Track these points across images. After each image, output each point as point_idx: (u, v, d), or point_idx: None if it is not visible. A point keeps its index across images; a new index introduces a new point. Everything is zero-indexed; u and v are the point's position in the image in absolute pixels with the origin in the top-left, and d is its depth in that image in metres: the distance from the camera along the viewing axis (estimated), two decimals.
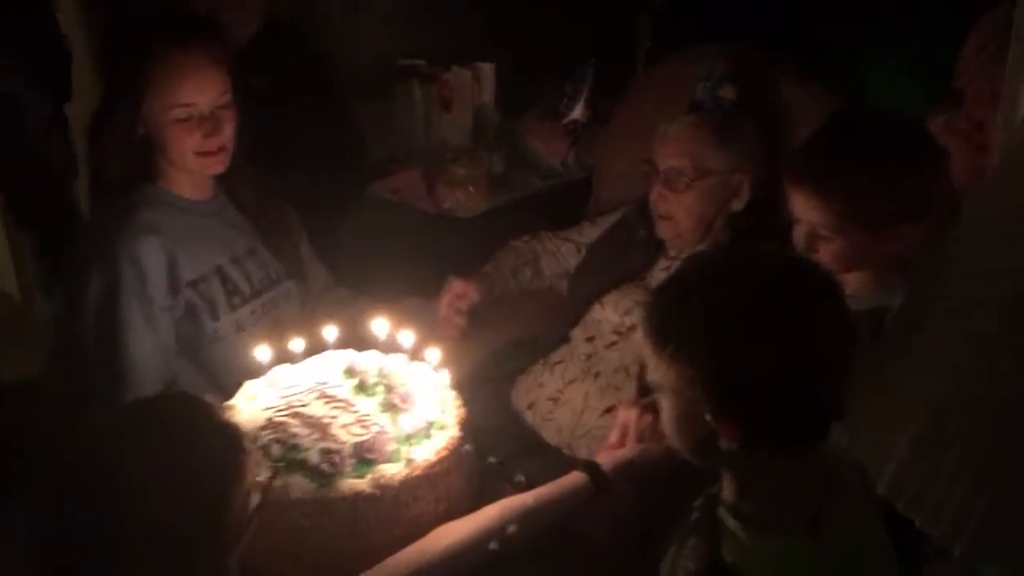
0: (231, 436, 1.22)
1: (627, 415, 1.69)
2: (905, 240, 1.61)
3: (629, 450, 1.65)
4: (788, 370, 0.91)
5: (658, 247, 2.12)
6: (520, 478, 1.75)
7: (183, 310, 1.85)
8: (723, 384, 1.05)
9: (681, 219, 2.02)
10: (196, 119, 1.79)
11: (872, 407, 0.87)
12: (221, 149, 1.84)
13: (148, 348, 1.80)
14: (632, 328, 2.03)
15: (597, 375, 2.03)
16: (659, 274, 2.09)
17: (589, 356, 2.07)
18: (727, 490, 1.16)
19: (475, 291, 2.11)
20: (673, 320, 1.11)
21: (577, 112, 2.87)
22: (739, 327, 1.05)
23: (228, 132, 1.83)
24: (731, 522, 1.13)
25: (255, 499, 1.23)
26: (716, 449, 1.10)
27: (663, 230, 2.07)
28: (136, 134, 1.80)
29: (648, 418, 1.65)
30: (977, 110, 1.73)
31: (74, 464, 1.16)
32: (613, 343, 2.05)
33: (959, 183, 1.88)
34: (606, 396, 2.00)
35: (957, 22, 1.71)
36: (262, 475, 1.27)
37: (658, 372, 1.12)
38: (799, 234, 1.67)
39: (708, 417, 1.08)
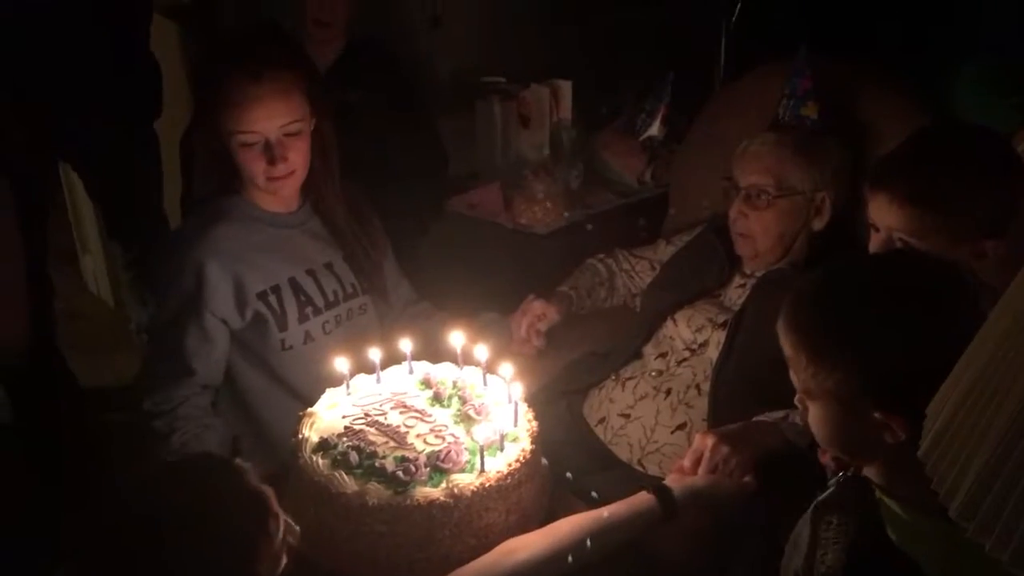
0: (257, 503, 1.21)
1: (703, 443, 1.70)
2: (985, 256, 1.59)
3: (701, 479, 1.66)
4: (944, 360, 0.92)
5: (733, 265, 2.12)
6: (594, 494, 1.77)
7: (250, 320, 1.92)
8: (892, 382, 1.08)
9: (760, 237, 2.02)
10: (260, 146, 1.83)
11: (949, 423, 0.87)
12: (289, 176, 1.88)
13: (197, 350, 1.88)
14: (704, 345, 2.04)
15: (668, 392, 2.03)
16: (734, 291, 2.09)
17: (660, 372, 2.08)
18: (878, 475, 1.19)
19: (555, 313, 2.13)
20: (835, 328, 1.14)
21: (654, 129, 2.88)
22: (901, 326, 1.09)
23: (295, 159, 1.86)
24: (892, 503, 1.15)
25: (283, 561, 1.22)
26: (878, 444, 1.14)
27: (741, 248, 2.06)
28: (218, 151, 1.87)
29: (724, 450, 1.67)
30: None
31: (100, 526, 1.15)
32: (684, 359, 2.06)
33: None
34: (677, 413, 2.00)
35: None
36: (292, 536, 1.25)
37: (815, 380, 1.16)
38: (876, 242, 1.66)
39: (877, 415, 1.11)
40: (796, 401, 1.26)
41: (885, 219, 1.63)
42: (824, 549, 1.18)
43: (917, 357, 0.99)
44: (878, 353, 1.11)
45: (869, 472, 1.22)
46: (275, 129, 1.83)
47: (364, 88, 2.54)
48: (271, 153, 1.84)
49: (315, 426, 1.61)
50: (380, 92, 2.56)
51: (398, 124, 2.58)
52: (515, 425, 1.58)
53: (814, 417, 1.21)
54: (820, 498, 1.27)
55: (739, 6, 2.99)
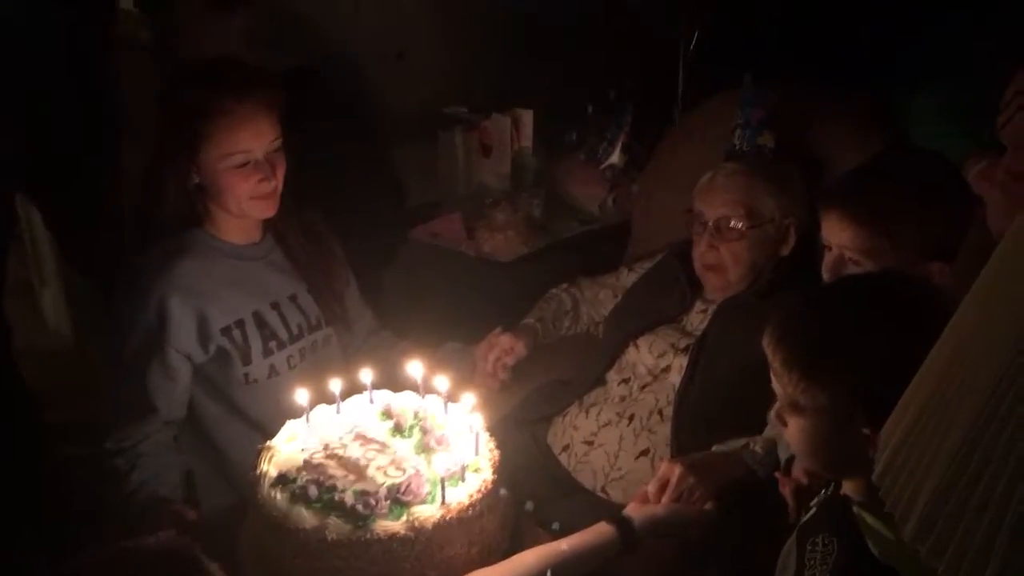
0: None
1: (669, 471, 1.70)
2: (932, 279, 1.62)
3: (663, 508, 1.66)
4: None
5: (695, 290, 2.13)
6: (556, 526, 1.76)
7: (214, 355, 1.90)
8: (884, 399, 1.05)
9: (731, 268, 2.03)
10: (252, 165, 1.85)
11: (900, 447, 0.88)
12: (273, 192, 1.89)
13: (159, 387, 1.86)
14: (666, 370, 2.05)
15: (631, 418, 2.03)
16: (696, 316, 2.11)
17: (623, 398, 2.08)
18: (857, 491, 1.20)
19: (523, 347, 2.13)
20: (830, 345, 1.17)
21: (615, 157, 2.90)
22: (889, 341, 1.11)
23: (280, 175, 1.89)
24: (871, 519, 1.16)
25: None
26: (861, 460, 1.12)
27: (712, 280, 2.07)
28: (191, 182, 1.87)
29: (690, 479, 1.67)
30: (1015, 162, 1.73)
31: None
32: (647, 385, 2.06)
33: (996, 233, 1.88)
34: (640, 439, 2.00)
35: (1003, 65, 1.72)
36: None
37: (805, 395, 1.17)
38: (828, 260, 1.69)
39: (866, 431, 1.12)
40: (774, 415, 1.27)
41: (835, 238, 1.67)
42: (811, 571, 1.18)
43: (908, 374, 1.00)
44: (873, 370, 1.12)
45: (848, 489, 1.23)
46: (264, 146, 1.85)
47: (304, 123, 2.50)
48: (262, 171, 1.85)
49: (274, 460, 1.59)
50: (319, 127, 2.48)
51: (344, 158, 2.54)
52: (476, 455, 1.57)
53: (798, 431, 1.22)
54: (803, 520, 1.27)
55: (696, 36, 3.02)
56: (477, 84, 2.94)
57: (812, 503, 1.34)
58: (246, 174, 1.85)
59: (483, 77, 2.95)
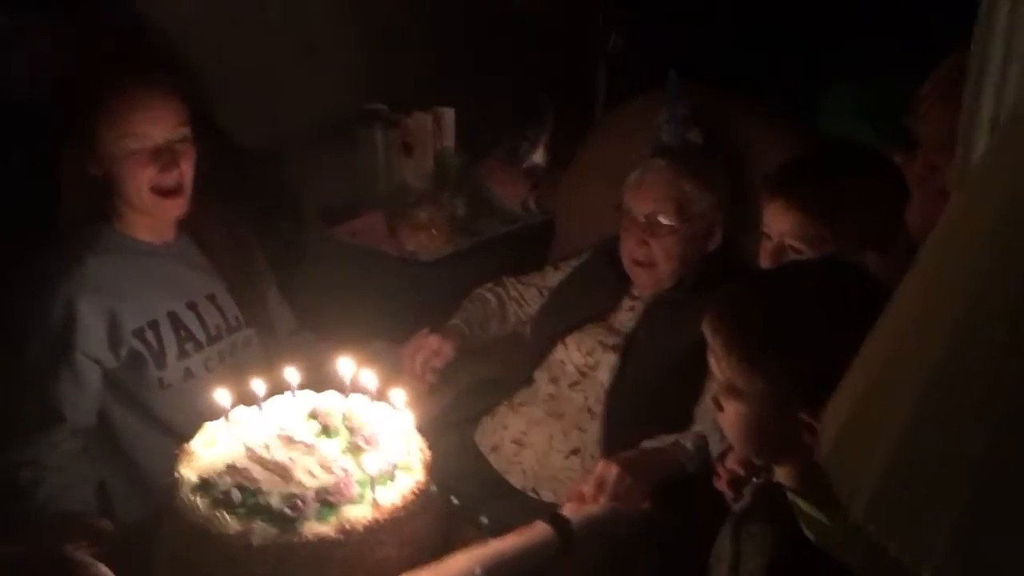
0: None
1: (606, 470, 1.69)
2: (869, 269, 1.64)
3: (600, 507, 1.65)
4: None
5: (623, 288, 2.12)
6: (484, 520, 1.73)
7: (126, 359, 1.81)
8: (823, 384, 1.04)
9: (662, 264, 2.02)
10: (150, 152, 1.76)
11: (846, 426, 0.87)
12: (179, 188, 1.81)
13: (67, 394, 1.77)
14: (595, 368, 2.04)
15: (561, 416, 2.02)
16: (624, 314, 2.10)
17: (552, 397, 2.06)
18: (791, 478, 1.21)
19: (451, 349, 2.09)
20: (770, 330, 1.17)
21: (537, 156, 2.89)
22: (830, 325, 1.11)
23: (186, 169, 1.80)
24: (806, 506, 1.16)
25: None
26: (796, 445, 1.15)
27: (641, 277, 2.06)
28: (90, 170, 1.77)
29: (628, 479, 1.67)
30: (932, 155, 1.78)
31: None
32: (576, 383, 2.05)
33: (913, 226, 1.93)
34: (570, 437, 1.99)
35: (913, 60, 1.76)
36: None
37: (743, 378, 1.18)
38: (767, 249, 1.70)
39: (803, 415, 1.13)
40: (711, 399, 1.28)
41: (779, 225, 1.68)
42: (747, 560, 1.18)
43: (845, 360, 1.00)
44: (813, 355, 1.12)
45: (782, 476, 1.23)
46: (165, 132, 1.77)
47: None
48: (161, 159, 1.76)
49: (193, 464, 1.52)
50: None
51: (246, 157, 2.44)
52: (407, 454, 1.53)
53: (734, 415, 1.22)
54: (737, 509, 1.27)
55: (614, 35, 3.04)
56: (397, 81, 2.89)
57: (745, 490, 1.34)
58: (144, 161, 1.76)
59: (403, 74, 2.90)
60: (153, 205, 1.81)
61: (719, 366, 1.23)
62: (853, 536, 1.11)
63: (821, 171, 1.72)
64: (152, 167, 1.77)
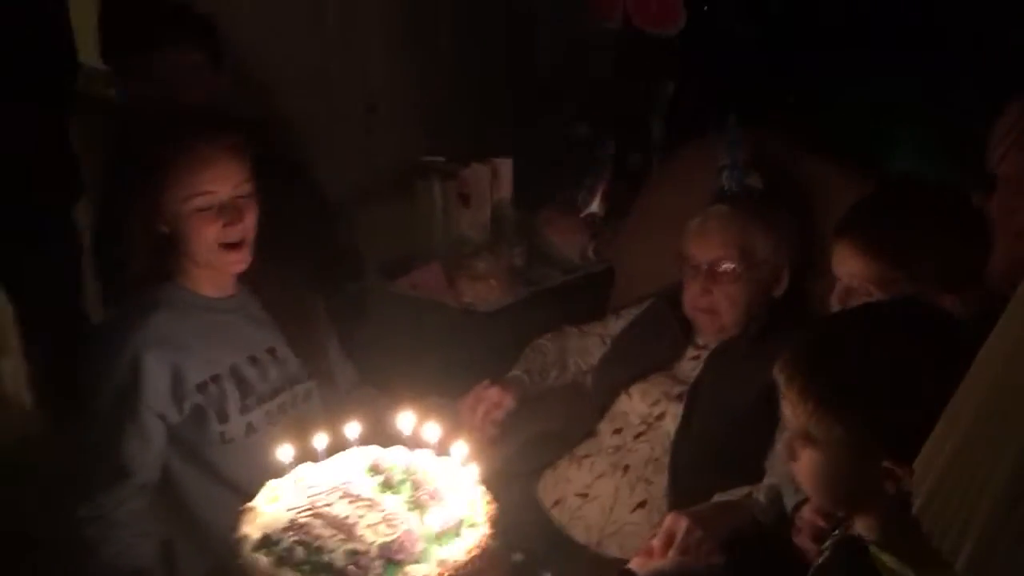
0: None
1: (675, 523, 1.64)
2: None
3: (669, 562, 1.60)
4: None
5: (687, 336, 2.08)
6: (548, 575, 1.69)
7: (189, 414, 1.82)
8: (904, 427, 1.04)
9: (726, 311, 1.98)
10: (216, 208, 1.79)
11: (944, 478, 0.83)
12: (243, 242, 1.83)
13: (133, 450, 1.77)
14: (660, 418, 1.99)
15: (626, 468, 1.97)
16: (688, 363, 2.06)
17: (617, 448, 2.02)
18: (872, 530, 1.17)
19: (511, 400, 2.05)
20: (843, 374, 1.15)
21: (595, 205, 2.87)
22: (910, 369, 1.10)
23: (250, 222, 1.82)
24: (888, 559, 1.13)
25: None
26: (877, 494, 1.12)
27: (704, 324, 2.02)
28: (158, 230, 1.80)
29: (697, 532, 1.61)
30: (1008, 196, 1.72)
31: None
32: (641, 434, 2.00)
33: (990, 269, 1.86)
34: (636, 490, 1.94)
35: (988, 95, 1.71)
36: None
37: (820, 426, 1.15)
38: (838, 290, 1.66)
39: (886, 463, 1.10)
40: (784, 445, 1.24)
41: (846, 267, 1.64)
42: None
43: (930, 406, 0.96)
44: (893, 401, 1.10)
45: (862, 528, 1.20)
46: (230, 189, 1.79)
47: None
48: (226, 215, 1.79)
49: (256, 521, 1.50)
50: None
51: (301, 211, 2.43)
52: (472, 509, 1.49)
53: (809, 464, 1.19)
54: (817, 563, 1.22)
55: (672, 86, 3.03)
56: (454, 133, 2.91)
57: (824, 545, 1.29)
58: (211, 217, 1.78)
59: (460, 126, 2.92)
60: (217, 259, 1.83)
61: (794, 413, 1.19)
62: None
63: (889, 211, 1.67)
64: (217, 223, 1.79)
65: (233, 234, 1.81)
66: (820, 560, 1.29)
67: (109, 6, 2.40)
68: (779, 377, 1.20)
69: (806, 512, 1.58)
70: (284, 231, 2.25)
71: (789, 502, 1.68)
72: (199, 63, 2.29)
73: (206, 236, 1.79)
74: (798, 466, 1.22)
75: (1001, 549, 0.76)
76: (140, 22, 2.29)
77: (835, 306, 1.67)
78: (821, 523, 1.56)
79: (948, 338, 1.12)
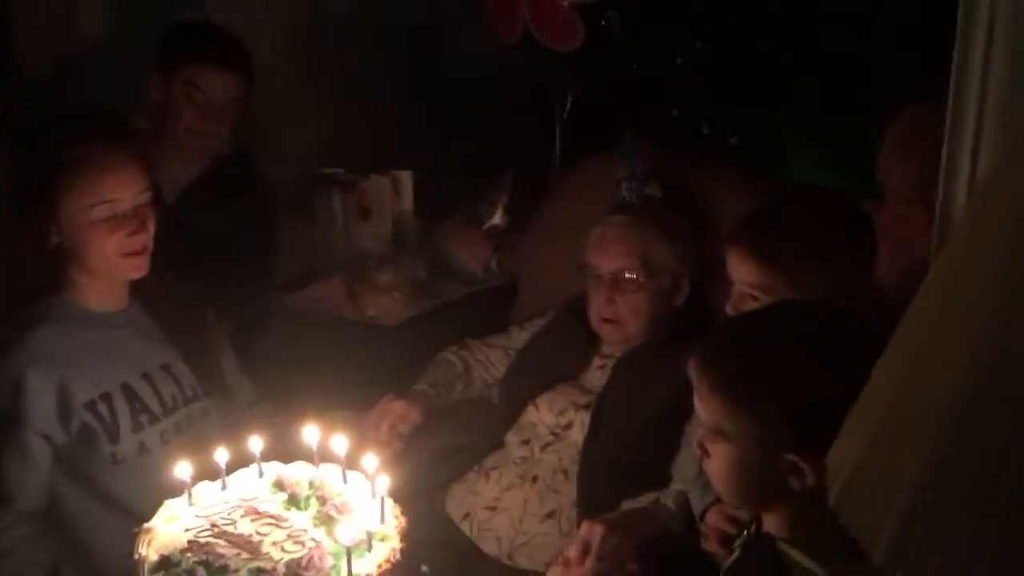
0: None
1: (590, 532, 1.64)
2: None
3: (585, 571, 1.59)
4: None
5: (592, 346, 2.09)
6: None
7: (77, 434, 1.73)
8: (810, 421, 1.08)
9: (630, 320, 1.99)
10: (119, 217, 1.72)
11: (859, 469, 0.84)
12: (144, 249, 1.76)
13: (16, 474, 1.69)
14: (568, 428, 1.99)
15: (535, 479, 1.96)
16: (594, 373, 2.06)
17: (525, 460, 2.01)
18: (780, 527, 1.18)
19: (417, 414, 2.03)
20: (752, 369, 1.16)
21: (497, 218, 2.87)
22: (816, 365, 1.12)
23: (151, 231, 1.76)
24: (797, 555, 1.14)
25: None
26: (782, 489, 1.14)
27: (609, 333, 2.03)
28: (50, 241, 1.72)
29: (613, 539, 1.62)
30: (897, 204, 1.78)
31: None
32: (549, 444, 2.00)
33: (880, 273, 1.93)
34: (545, 500, 1.93)
35: (877, 108, 1.78)
36: None
37: (729, 420, 1.16)
38: (732, 296, 1.69)
39: (792, 457, 1.12)
40: (697, 444, 1.25)
41: (736, 274, 1.67)
42: None
43: (835, 400, 0.98)
44: (797, 395, 1.12)
45: (771, 526, 1.21)
46: (131, 197, 1.73)
47: (221, 214, 2.33)
48: (130, 224, 1.72)
49: (154, 543, 1.43)
50: (238, 220, 2.36)
51: (243, 246, 2.39)
52: (382, 522, 1.46)
53: (721, 459, 1.20)
54: (727, 564, 1.23)
55: (571, 100, 3.06)
56: (353, 145, 2.87)
57: (735, 545, 1.30)
58: (113, 227, 1.72)
59: (360, 138, 2.88)
60: (118, 268, 1.77)
61: (705, 408, 1.21)
62: None
63: (777, 218, 1.70)
64: (120, 232, 1.72)
65: (136, 243, 1.74)
66: (729, 561, 1.30)
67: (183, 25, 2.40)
68: (691, 372, 1.22)
69: (711, 518, 1.61)
70: (198, 244, 2.22)
71: (696, 506, 1.70)
72: (241, 93, 2.34)
73: (106, 246, 1.73)
74: (709, 462, 1.23)
75: (918, 539, 0.77)
76: (208, 40, 2.34)
77: (729, 312, 1.70)
78: (727, 527, 1.58)
79: (851, 336, 1.15)
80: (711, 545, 1.59)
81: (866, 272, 1.65)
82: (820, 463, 1.07)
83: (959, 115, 1.20)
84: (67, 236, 1.72)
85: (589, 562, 1.59)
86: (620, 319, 2.00)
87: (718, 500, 1.62)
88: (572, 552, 1.61)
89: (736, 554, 1.30)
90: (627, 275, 1.98)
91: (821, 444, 1.00)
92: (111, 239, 1.72)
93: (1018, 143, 0.79)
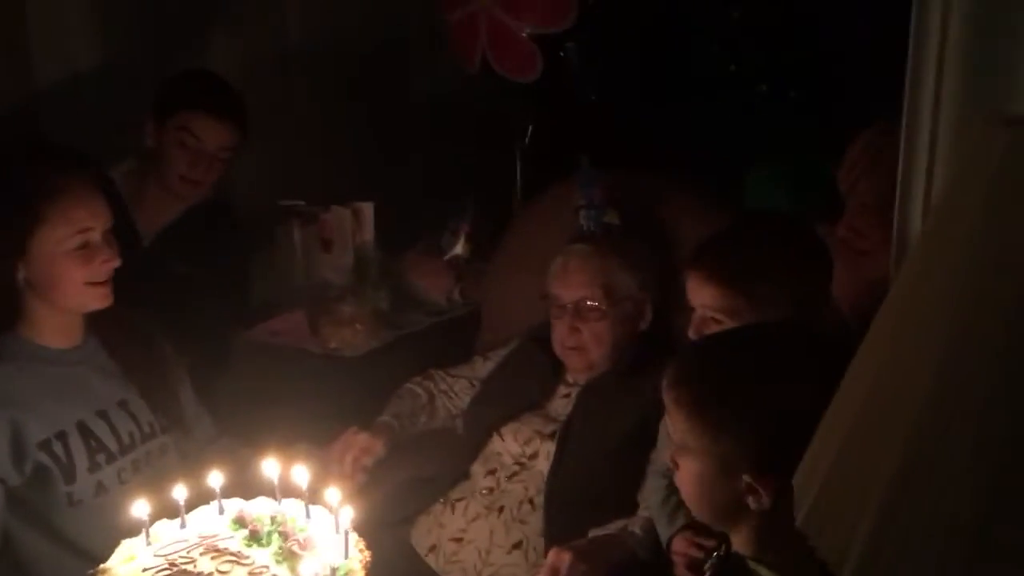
0: None
1: (558, 559, 1.64)
2: None
3: None
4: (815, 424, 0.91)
5: (557, 375, 2.09)
6: None
7: (31, 474, 1.68)
8: (773, 445, 1.10)
9: (594, 349, 1.99)
10: (91, 246, 1.71)
11: (825, 490, 0.84)
12: (109, 279, 1.75)
13: None
14: (533, 457, 1.98)
15: (501, 510, 1.95)
16: (559, 401, 2.06)
17: (491, 490, 1.99)
18: (746, 545, 1.20)
19: (381, 446, 2.01)
20: (711, 384, 1.18)
21: (459, 248, 2.86)
22: (782, 390, 1.13)
23: (117, 259, 1.75)
24: (767, 574, 1.15)
25: None
26: (742, 508, 1.16)
27: (573, 362, 2.03)
28: (16, 281, 1.69)
29: (582, 567, 1.63)
30: (857, 219, 1.82)
31: None
32: (515, 474, 1.99)
33: (838, 293, 1.95)
34: (512, 531, 1.92)
35: (828, 133, 1.82)
36: None
37: (691, 435, 1.19)
38: (693, 321, 1.70)
39: (747, 478, 1.14)
40: (670, 456, 1.27)
41: (697, 298, 1.68)
42: None
43: (799, 422, 0.98)
44: (760, 419, 1.14)
45: (738, 545, 1.22)
46: (102, 225, 1.73)
47: (194, 258, 2.34)
48: (104, 252, 1.72)
49: None
50: (211, 266, 2.36)
51: (212, 291, 2.39)
52: (346, 557, 1.43)
53: (687, 474, 1.22)
54: None
55: (531, 129, 3.08)
56: (313, 177, 2.86)
57: (706, 567, 1.30)
58: (86, 257, 1.70)
59: (320, 170, 2.87)
60: (85, 299, 1.75)
61: (672, 421, 1.22)
62: None
63: (735, 242, 1.73)
64: (95, 262, 1.71)
65: (105, 271, 1.73)
66: None
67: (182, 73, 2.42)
68: (663, 387, 1.23)
69: (677, 544, 1.61)
70: (168, 285, 2.20)
71: (663, 535, 1.69)
72: (234, 142, 2.35)
73: (77, 277, 1.70)
74: (679, 477, 1.25)
75: (885, 558, 0.77)
76: (206, 88, 2.35)
77: (692, 337, 1.71)
78: (695, 553, 1.58)
79: (817, 356, 1.15)
80: (682, 572, 1.58)
81: (823, 291, 1.67)
82: (776, 485, 1.11)
83: (913, 133, 1.22)
84: (34, 269, 1.69)
85: None
86: (584, 347, 2.00)
87: (684, 527, 1.62)
88: None
89: (708, 574, 1.29)
90: (589, 304, 1.98)
91: (784, 466, 1.01)
92: (83, 270, 1.70)
93: (972, 161, 0.79)
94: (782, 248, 1.67)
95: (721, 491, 1.19)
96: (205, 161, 2.33)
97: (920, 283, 0.84)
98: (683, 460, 1.22)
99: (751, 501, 1.15)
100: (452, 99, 3.07)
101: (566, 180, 2.45)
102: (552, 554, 1.65)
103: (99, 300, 1.76)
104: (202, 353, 2.30)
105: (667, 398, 1.22)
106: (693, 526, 1.61)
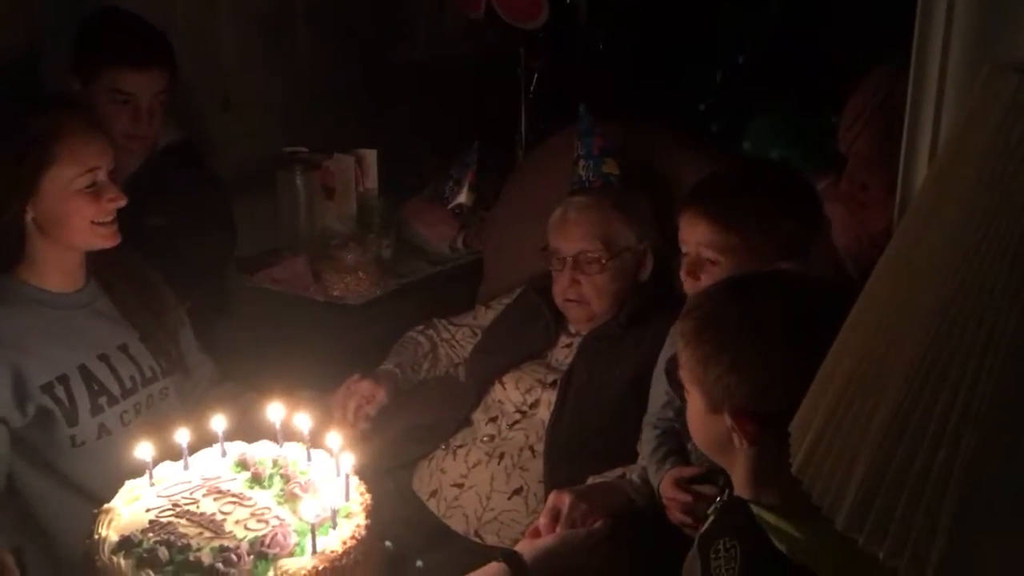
0: None
1: (559, 500, 1.65)
2: None
3: (552, 539, 1.59)
4: (810, 372, 0.92)
5: (559, 324, 2.09)
6: (419, 564, 1.65)
7: (34, 417, 1.70)
8: (751, 385, 1.14)
9: (594, 300, 1.99)
10: (99, 185, 1.72)
11: (821, 435, 0.84)
12: (116, 219, 1.76)
13: None
14: (535, 406, 1.99)
15: (501, 456, 1.96)
16: (561, 351, 2.06)
17: (492, 437, 2.00)
18: (743, 486, 1.22)
19: (384, 394, 2.01)
20: (711, 325, 1.20)
21: (462, 196, 2.85)
22: (778, 340, 1.15)
23: (124, 198, 1.76)
24: (771, 517, 1.16)
25: None
26: (731, 446, 1.20)
27: (574, 314, 2.03)
28: (24, 222, 1.70)
29: (582, 506, 1.63)
30: (859, 172, 1.80)
31: None
32: (516, 422, 2.00)
33: (841, 245, 1.95)
34: (512, 478, 1.93)
35: (826, 85, 1.80)
36: None
37: (685, 368, 1.23)
38: (685, 263, 1.71)
39: (726, 416, 1.17)
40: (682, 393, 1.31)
41: (692, 235, 1.68)
42: (718, 574, 1.14)
43: (793, 371, 0.98)
44: (738, 360, 1.16)
45: (737, 486, 1.23)
46: (107, 164, 1.74)
47: (171, 206, 2.24)
48: (110, 191, 1.73)
49: (113, 524, 1.41)
50: (188, 210, 2.26)
51: (198, 234, 2.31)
52: (347, 499, 1.44)
53: (689, 407, 1.27)
54: (702, 530, 1.24)
55: (536, 77, 3.05)
56: (317, 124, 2.83)
57: (709, 511, 1.31)
58: (94, 196, 1.71)
59: (322, 119, 2.84)
60: (93, 239, 1.75)
61: (680, 354, 1.25)
62: (823, 546, 1.09)
63: (730, 183, 1.74)
64: (102, 200, 1.72)
65: (112, 209, 1.74)
66: (704, 527, 1.30)
67: (96, 21, 2.24)
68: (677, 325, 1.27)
69: (663, 488, 1.62)
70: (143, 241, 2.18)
71: (654, 482, 1.71)
72: (167, 83, 2.22)
73: (86, 215, 1.71)
74: (686, 408, 1.29)
75: (879, 504, 0.77)
76: (123, 39, 2.21)
77: (684, 279, 1.71)
78: (682, 496, 1.60)
79: (816, 307, 1.15)
80: (675, 516, 1.60)
81: (812, 237, 1.67)
82: (753, 430, 1.15)
83: (920, 81, 1.20)
84: (43, 210, 1.69)
85: (559, 529, 1.60)
86: (584, 299, 1.99)
87: (668, 472, 1.66)
88: (542, 521, 1.62)
89: (710, 519, 1.30)
90: (589, 256, 1.97)
91: (775, 412, 1.03)
92: (92, 208, 1.71)
93: (979, 107, 0.78)
94: (776, 192, 1.68)
95: (712, 427, 1.22)
96: (145, 115, 2.20)
97: (923, 229, 0.83)
98: (689, 395, 1.26)
99: (736, 440, 1.18)
100: (458, 47, 3.03)
101: (566, 129, 2.43)
102: (553, 496, 1.66)
103: (107, 239, 1.77)
104: (198, 294, 2.28)
105: (677, 330, 1.27)
106: (679, 472, 1.65)
